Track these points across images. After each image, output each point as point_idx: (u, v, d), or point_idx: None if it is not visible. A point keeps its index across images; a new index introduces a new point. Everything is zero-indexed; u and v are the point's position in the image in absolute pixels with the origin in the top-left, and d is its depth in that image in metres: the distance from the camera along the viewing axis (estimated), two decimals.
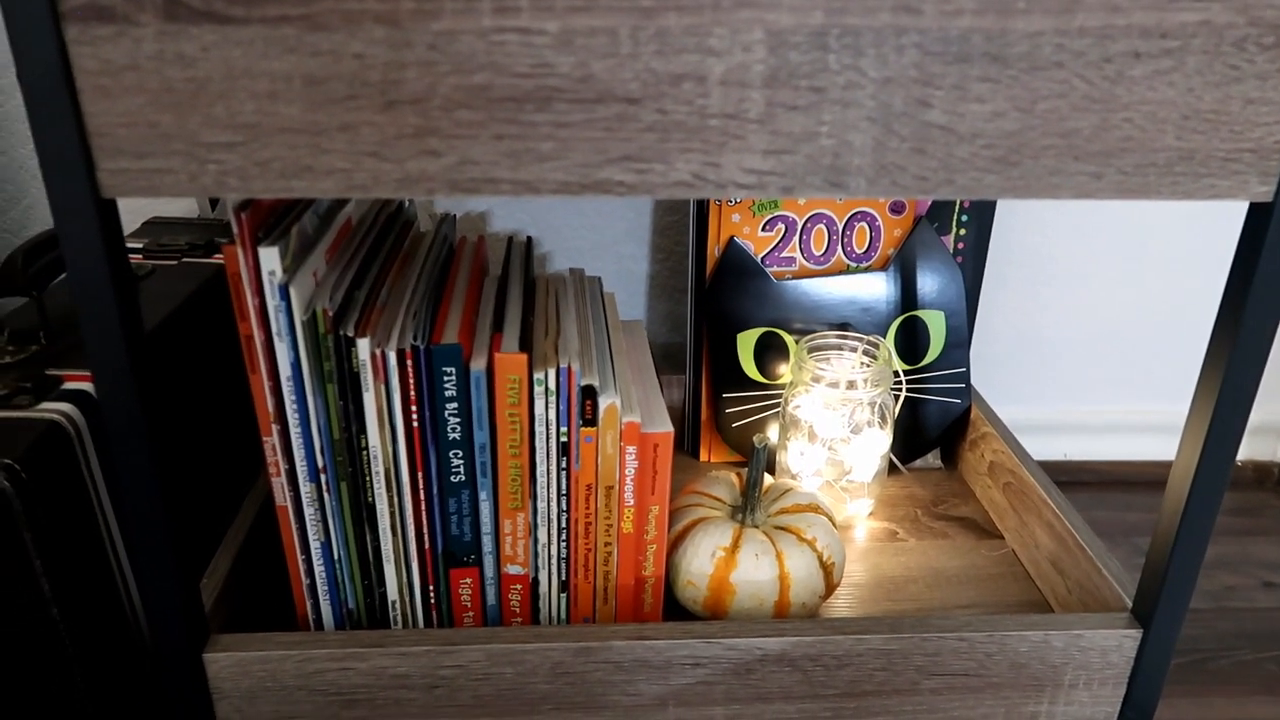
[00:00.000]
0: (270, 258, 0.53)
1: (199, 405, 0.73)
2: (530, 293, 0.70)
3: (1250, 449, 1.12)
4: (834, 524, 0.70)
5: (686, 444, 0.94)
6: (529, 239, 0.79)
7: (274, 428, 0.58)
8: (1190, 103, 0.47)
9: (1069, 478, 1.10)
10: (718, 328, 0.87)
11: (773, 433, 0.88)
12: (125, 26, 0.42)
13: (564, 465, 0.60)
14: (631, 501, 0.62)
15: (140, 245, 0.82)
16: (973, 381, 1.08)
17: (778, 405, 0.88)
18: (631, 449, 0.60)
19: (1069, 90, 0.46)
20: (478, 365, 0.58)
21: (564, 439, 0.59)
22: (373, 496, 0.60)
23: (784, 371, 0.87)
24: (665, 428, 0.61)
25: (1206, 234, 1.03)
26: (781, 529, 0.68)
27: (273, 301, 0.54)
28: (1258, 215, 0.50)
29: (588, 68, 0.44)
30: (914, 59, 0.45)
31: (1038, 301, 1.05)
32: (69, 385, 0.59)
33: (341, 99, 0.44)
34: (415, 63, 0.44)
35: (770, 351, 0.87)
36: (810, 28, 0.44)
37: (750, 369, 0.87)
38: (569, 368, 0.58)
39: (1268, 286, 0.51)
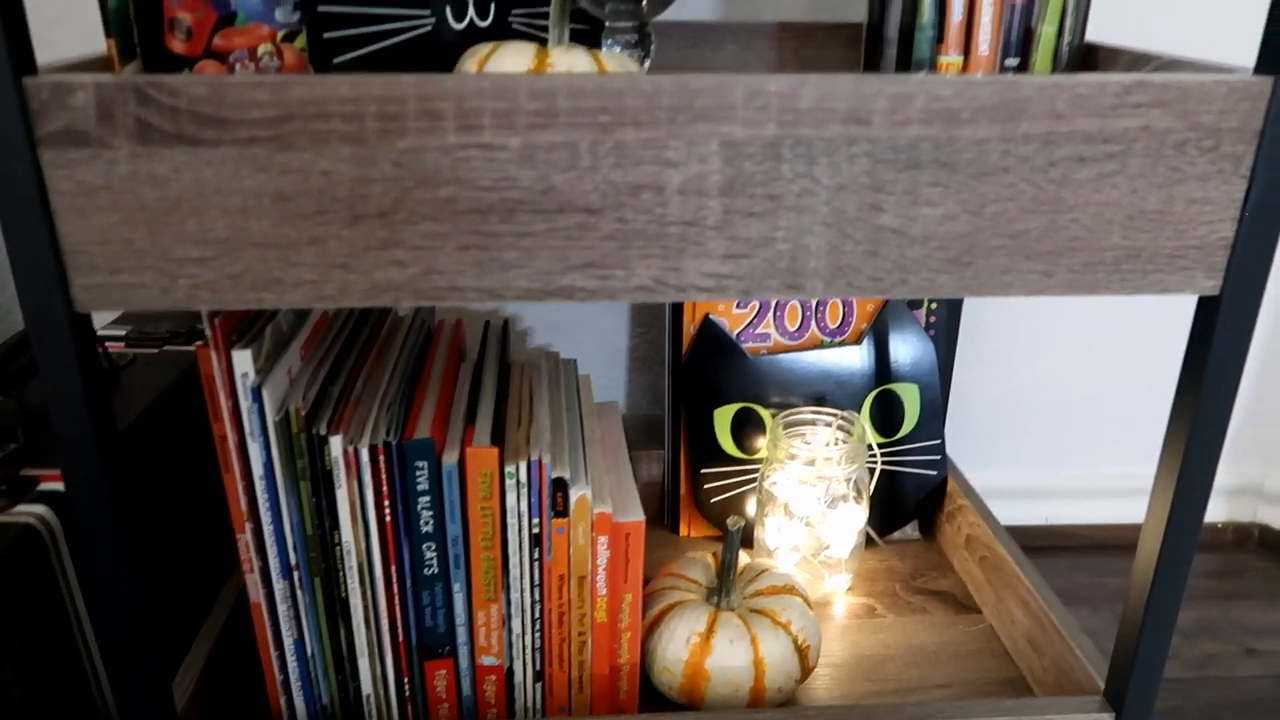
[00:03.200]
0: (244, 360, 0.54)
1: (177, 497, 0.73)
2: (505, 379, 0.71)
3: (1230, 510, 1.12)
4: (809, 605, 0.70)
5: (666, 518, 0.94)
6: (505, 321, 0.80)
7: (247, 525, 0.58)
8: (1135, 203, 0.48)
9: (1050, 543, 1.11)
10: (694, 403, 0.87)
11: (750, 507, 0.88)
12: (99, 150, 0.44)
13: (536, 556, 0.61)
14: (604, 591, 0.62)
15: (123, 333, 0.83)
16: (951, 449, 1.09)
17: (755, 480, 0.88)
18: (603, 539, 0.61)
19: (1017, 194, 0.48)
20: (450, 459, 0.58)
21: (536, 530, 0.60)
22: (346, 591, 0.60)
23: (762, 446, 0.88)
24: (637, 516, 0.61)
25: (1176, 296, 1.04)
26: (757, 612, 0.68)
27: (245, 403, 0.55)
28: (1206, 307, 0.51)
29: (549, 180, 0.46)
30: (865, 166, 0.47)
31: (1012, 368, 1.06)
32: (45, 486, 0.59)
33: (310, 214, 0.46)
34: (381, 179, 0.45)
35: (748, 426, 0.88)
36: (764, 139, 0.46)
37: (728, 444, 0.88)
38: (540, 460, 0.59)
39: (1220, 375, 0.52)
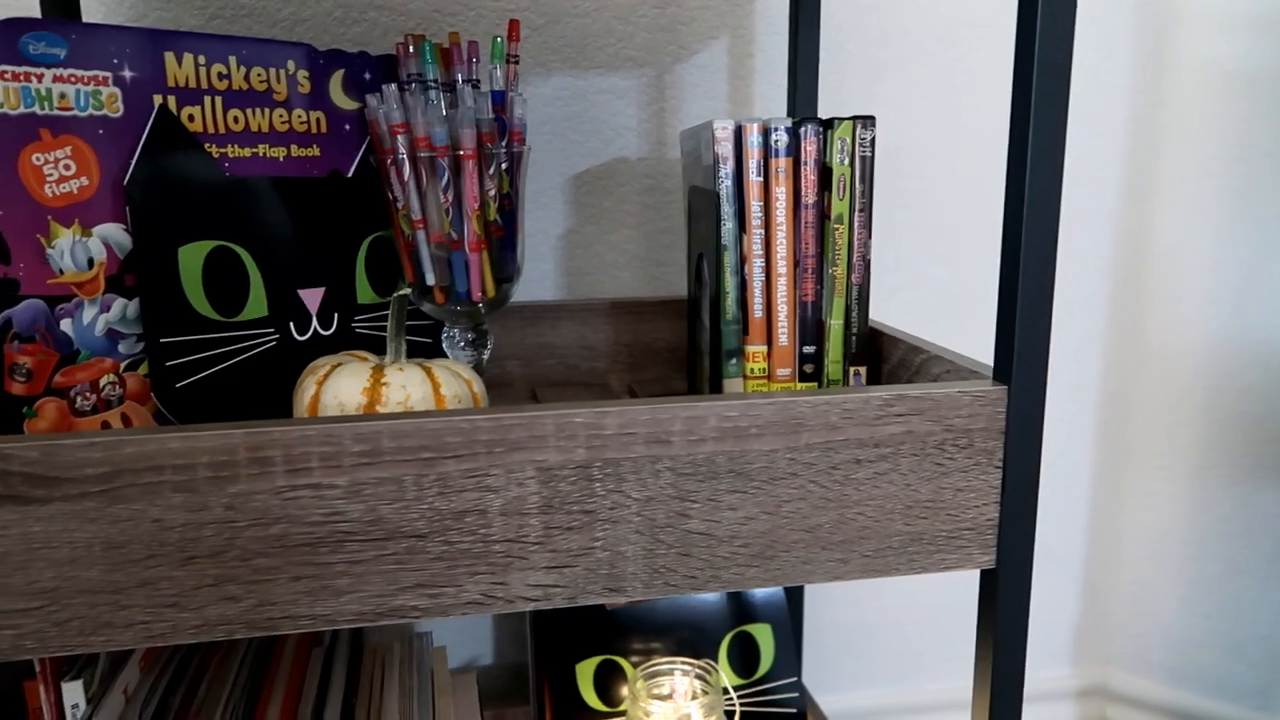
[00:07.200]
0: (74, 692, 0.54)
1: None
2: (357, 664, 0.72)
3: (1079, 711, 1.17)
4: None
5: None
6: None
7: None
8: (911, 495, 0.54)
9: None
10: (556, 656, 0.88)
11: None
12: None
13: None
14: None
15: None
16: (809, 676, 1.11)
17: None
18: None
19: (807, 494, 0.53)
20: None
21: None
22: None
23: (626, 696, 0.89)
24: None
25: None
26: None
27: None
28: (987, 579, 0.57)
29: (377, 512, 0.49)
30: (670, 480, 0.52)
31: (865, 586, 1.11)
32: None
33: (141, 559, 0.47)
34: (213, 521, 0.48)
35: (612, 677, 0.89)
36: (575, 462, 0.50)
37: (591, 698, 0.89)
38: None
39: (1007, 636, 0.58)
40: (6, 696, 0.75)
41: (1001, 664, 0.58)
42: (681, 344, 0.90)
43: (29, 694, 0.54)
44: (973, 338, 1.06)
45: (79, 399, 0.57)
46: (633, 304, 0.87)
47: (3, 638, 0.47)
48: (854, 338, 0.69)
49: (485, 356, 0.72)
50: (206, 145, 0.62)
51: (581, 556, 0.52)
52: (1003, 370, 0.54)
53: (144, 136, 0.59)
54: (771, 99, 0.97)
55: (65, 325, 0.56)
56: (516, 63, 0.69)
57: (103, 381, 0.58)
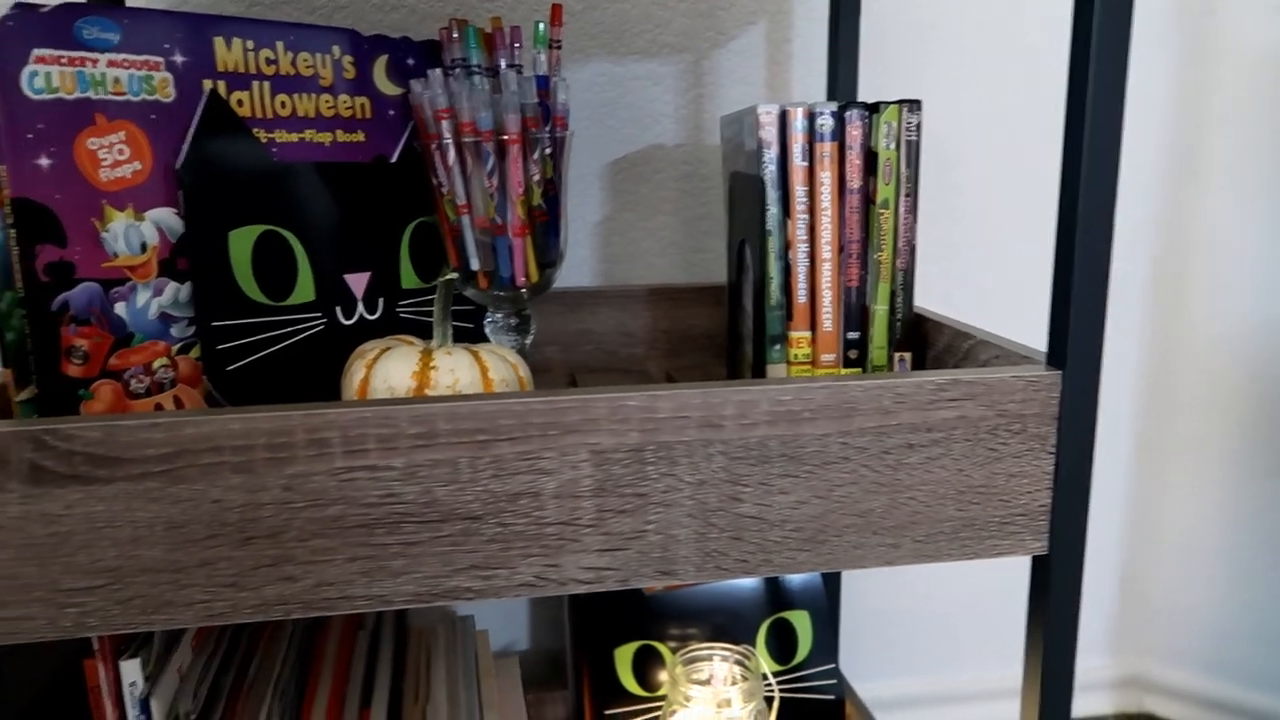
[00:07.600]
0: (132, 670, 0.54)
1: None
2: (402, 647, 0.72)
3: (1117, 702, 1.17)
4: None
5: None
6: None
7: None
8: (963, 480, 0.54)
9: None
10: (595, 642, 0.89)
11: None
12: None
13: None
14: None
15: None
16: (846, 663, 1.11)
17: (660, 717, 0.89)
18: None
19: (859, 478, 0.53)
20: None
21: None
22: None
23: (664, 681, 0.89)
24: None
25: None
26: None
27: (133, 713, 0.55)
28: (1039, 566, 0.57)
29: (432, 494, 0.49)
30: (722, 464, 0.51)
31: (896, 576, 1.11)
32: None
33: (201, 539, 0.48)
34: (271, 502, 0.48)
35: (650, 662, 0.89)
36: (629, 446, 0.50)
37: (630, 683, 0.89)
38: None
39: (1058, 623, 0.57)
40: (66, 674, 0.76)
41: (1052, 651, 0.57)
42: (719, 330, 0.90)
43: (88, 672, 0.55)
44: (1009, 326, 1.06)
45: (133, 382, 0.57)
46: (670, 290, 0.87)
47: (67, 615, 0.47)
48: (899, 323, 0.68)
49: (528, 341, 0.72)
50: (255, 130, 0.62)
51: (634, 539, 0.52)
52: (1057, 355, 0.54)
53: (195, 121, 0.59)
54: (810, 85, 0.96)
55: (119, 308, 0.57)
56: (559, 48, 0.68)
57: (156, 364, 0.58)
